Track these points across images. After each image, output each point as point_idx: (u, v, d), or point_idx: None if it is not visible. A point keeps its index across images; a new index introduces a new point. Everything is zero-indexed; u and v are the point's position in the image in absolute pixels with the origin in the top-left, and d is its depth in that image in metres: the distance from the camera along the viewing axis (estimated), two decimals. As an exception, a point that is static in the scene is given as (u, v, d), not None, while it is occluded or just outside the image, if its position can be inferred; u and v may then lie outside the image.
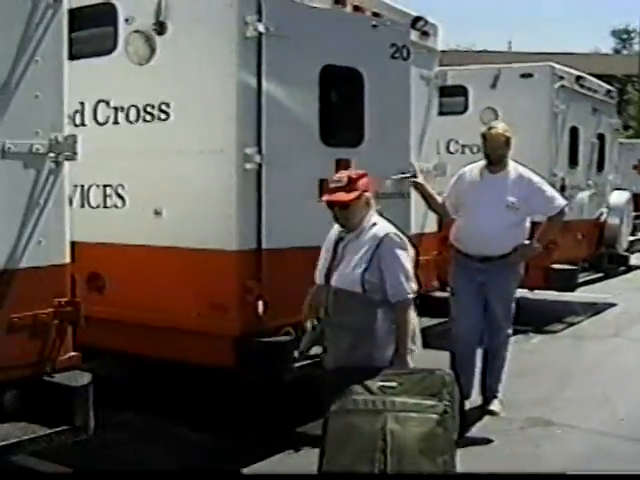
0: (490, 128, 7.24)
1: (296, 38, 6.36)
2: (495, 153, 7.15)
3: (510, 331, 7.38)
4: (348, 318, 4.79)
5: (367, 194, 4.91)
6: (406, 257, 4.85)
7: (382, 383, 4.50)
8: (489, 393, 7.33)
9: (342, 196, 4.83)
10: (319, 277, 5.04)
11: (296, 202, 6.46)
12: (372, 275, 4.77)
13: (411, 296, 4.84)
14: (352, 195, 4.83)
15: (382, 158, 7.02)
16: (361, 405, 4.43)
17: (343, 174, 4.97)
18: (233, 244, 6.20)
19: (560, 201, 7.27)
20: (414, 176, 7.32)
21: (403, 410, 4.39)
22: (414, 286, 4.86)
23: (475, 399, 7.25)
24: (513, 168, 7.20)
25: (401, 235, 4.90)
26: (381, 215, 5.00)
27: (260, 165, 6.27)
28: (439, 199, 7.47)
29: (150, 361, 6.83)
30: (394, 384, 4.50)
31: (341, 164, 6.65)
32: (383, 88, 7.10)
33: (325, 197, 4.95)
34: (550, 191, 7.30)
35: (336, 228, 5.03)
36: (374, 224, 4.91)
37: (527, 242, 7.20)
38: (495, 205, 7.04)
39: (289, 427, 6.63)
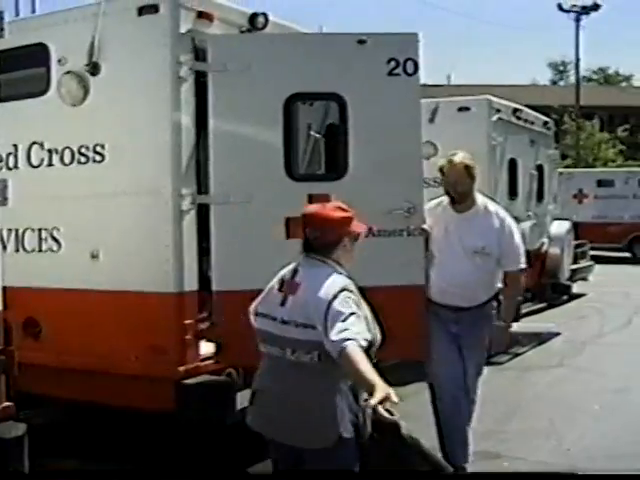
0: (449, 160, 6.26)
1: (250, 71, 6.19)
2: (456, 189, 6.23)
3: (477, 392, 6.46)
4: None
5: None
6: None
7: None
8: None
9: None
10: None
11: (256, 242, 6.18)
12: None
13: None
14: None
15: (378, 190, 6.27)
16: None
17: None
18: (170, 287, 6.12)
19: (523, 259, 6.26)
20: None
21: None
22: None
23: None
24: (482, 205, 6.31)
25: None
26: None
27: (206, 205, 6.22)
28: None
29: (90, 406, 6.68)
30: None
31: (316, 200, 5.99)
32: (377, 111, 6.35)
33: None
34: (520, 243, 6.30)
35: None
36: None
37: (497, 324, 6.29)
38: (462, 252, 6.18)
39: (237, 469, 6.51)
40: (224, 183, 6.20)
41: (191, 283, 6.20)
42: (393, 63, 6.31)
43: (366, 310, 4.05)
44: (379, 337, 4.08)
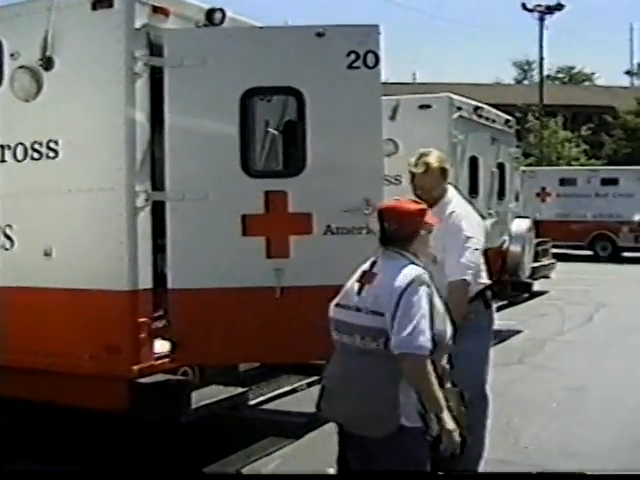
0: (425, 163, 5.58)
1: (206, 66, 6.11)
2: (432, 194, 5.57)
3: (485, 406, 5.91)
4: None
5: None
6: None
7: None
8: None
9: None
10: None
11: (212, 239, 6.14)
12: None
13: None
14: None
15: (336, 187, 6.09)
16: None
17: None
18: (125, 284, 6.05)
19: (462, 273, 5.44)
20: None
21: None
22: None
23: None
24: (444, 205, 5.65)
25: None
26: None
27: (161, 202, 6.15)
28: None
29: (41, 406, 6.58)
30: None
31: (272, 197, 6.13)
32: (336, 105, 6.16)
33: None
34: (467, 257, 5.47)
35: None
36: None
37: None
38: None
39: (194, 468, 6.45)
40: (179, 180, 6.13)
41: (146, 281, 6.14)
42: (353, 56, 6.11)
43: (439, 303, 4.15)
44: (449, 331, 4.17)
